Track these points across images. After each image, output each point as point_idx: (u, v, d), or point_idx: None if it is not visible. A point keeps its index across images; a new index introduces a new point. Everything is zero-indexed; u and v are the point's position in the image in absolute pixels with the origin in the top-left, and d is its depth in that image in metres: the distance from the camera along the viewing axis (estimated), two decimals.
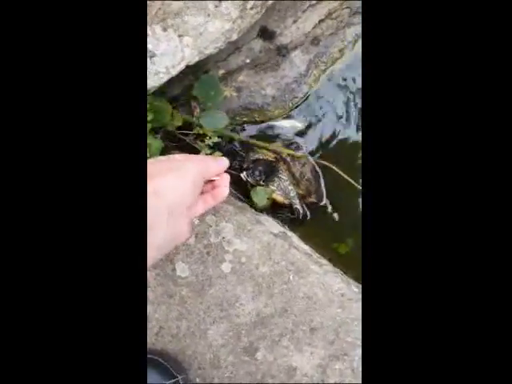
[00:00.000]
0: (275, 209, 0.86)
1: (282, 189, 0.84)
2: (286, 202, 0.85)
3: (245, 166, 0.83)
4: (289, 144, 0.84)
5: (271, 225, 0.77)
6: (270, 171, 0.84)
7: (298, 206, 0.85)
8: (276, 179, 0.84)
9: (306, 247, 0.77)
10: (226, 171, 0.57)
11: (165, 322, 0.77)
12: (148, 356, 0.78)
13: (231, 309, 0.74)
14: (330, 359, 0.72)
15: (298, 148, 0.85)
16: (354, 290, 0.72)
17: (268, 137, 0.88)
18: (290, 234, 0.78)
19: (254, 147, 0.86)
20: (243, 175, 0.78)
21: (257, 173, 0.80)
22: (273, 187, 0.84)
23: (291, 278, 0.72)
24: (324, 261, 0.76)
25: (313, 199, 0.87)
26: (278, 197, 0.84)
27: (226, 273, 0.74)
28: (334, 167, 0.82)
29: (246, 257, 0.74)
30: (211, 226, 0.74)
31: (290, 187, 0.84)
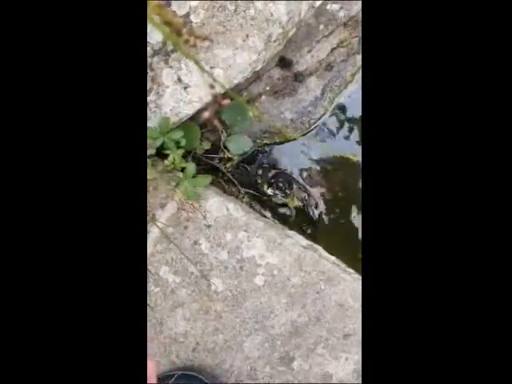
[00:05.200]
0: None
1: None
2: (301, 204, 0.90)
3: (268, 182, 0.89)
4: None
5: (300, 238, 0.81)
6: (290, 180, 0.89)
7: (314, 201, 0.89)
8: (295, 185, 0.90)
9: (333, 257, 0.81)
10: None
11: (201, 337, 0.80)
12: (186, 372, 0.80)
13: (266, 320, 0.78)
14: None
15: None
16: None
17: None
18: (316, 246, 0.82)
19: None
20: (270, 191, 0.82)
21: (280, 184, 0.84)
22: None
23: (322, 287, 0.76)
24: (351, 270, 0.80)
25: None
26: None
27: (260, 286, 0.78)
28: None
29: (278, 269, 0.78)
30: (243, 242, 0.79)
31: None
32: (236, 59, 0.72)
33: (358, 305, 0.75)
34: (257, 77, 0.87)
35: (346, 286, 0.76)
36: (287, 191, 0.88)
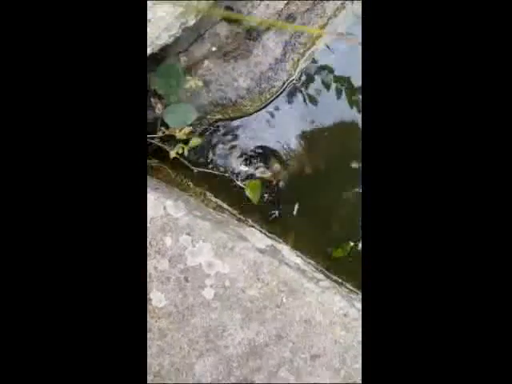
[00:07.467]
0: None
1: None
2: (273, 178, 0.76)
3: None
4: None
5: (257, 239, 0.67)
6: (267, 154, 0.75)
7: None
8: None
9: (299, 260, 0.67)
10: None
11: None
12: None
13: (218, 339, 0.65)
14: None
15: None
16: (358, 308, 0.63)
17: None
18: (279, 246, 0.68)
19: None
20: (243, 168, 0.68)
21: (254, 160, 0.71)
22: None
23: (284, 299, 0.62)
24: (320, 275, 0.66)
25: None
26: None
27: (209, 299, 0.64)
28: None
29: (230, 279, 0.63)
30: (187, 248, 0.64)
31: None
32: (156, 11, 0.53)
33: (328, 320, 0.62)
34: (198, 35, 0.68)
35: (312, 299, 0.62)
36: (261, 168, 0.73)
